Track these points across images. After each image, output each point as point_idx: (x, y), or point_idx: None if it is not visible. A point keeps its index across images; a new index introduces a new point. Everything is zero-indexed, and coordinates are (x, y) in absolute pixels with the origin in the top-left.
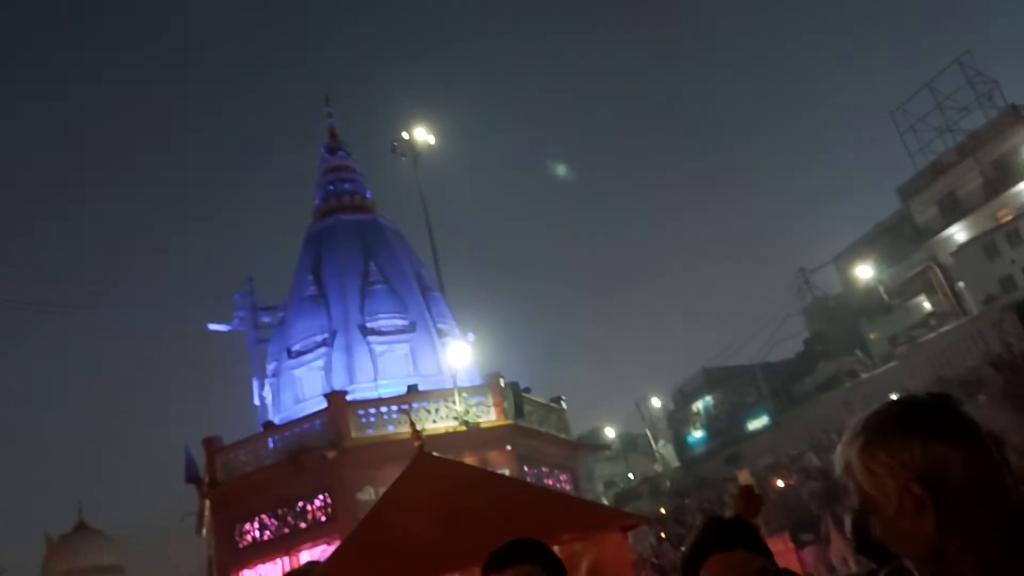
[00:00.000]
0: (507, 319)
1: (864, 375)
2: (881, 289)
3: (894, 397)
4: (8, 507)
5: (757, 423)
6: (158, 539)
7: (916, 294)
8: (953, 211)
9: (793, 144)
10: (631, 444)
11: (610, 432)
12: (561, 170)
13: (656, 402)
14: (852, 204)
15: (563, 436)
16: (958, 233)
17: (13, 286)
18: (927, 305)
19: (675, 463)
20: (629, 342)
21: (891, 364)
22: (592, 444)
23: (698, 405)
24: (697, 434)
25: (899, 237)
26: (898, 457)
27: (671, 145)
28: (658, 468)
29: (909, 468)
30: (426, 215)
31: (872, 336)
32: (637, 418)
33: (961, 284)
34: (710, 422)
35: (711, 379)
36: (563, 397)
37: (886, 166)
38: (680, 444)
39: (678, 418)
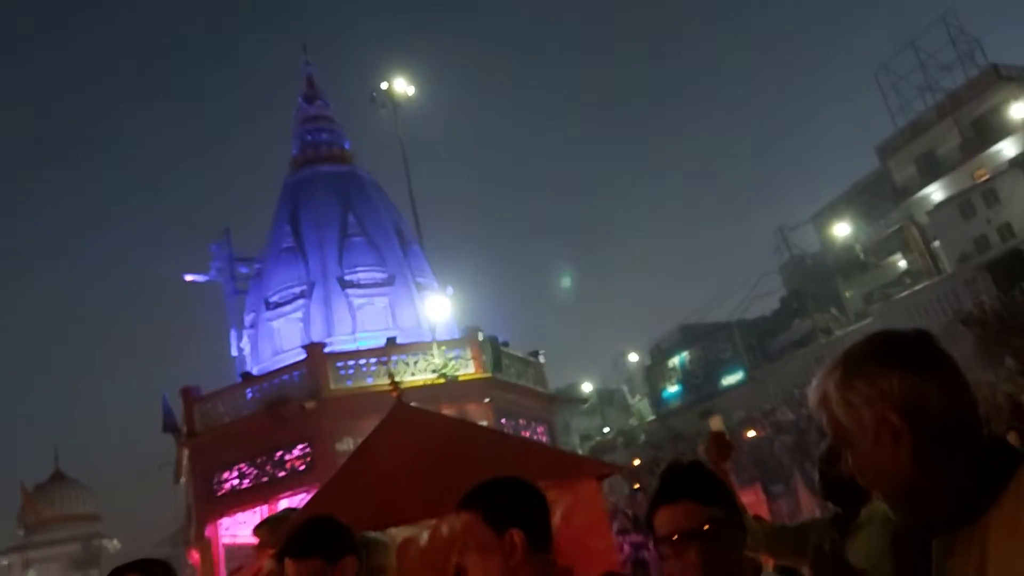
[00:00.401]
0: (486, 274)
1: (838, 332)
2: (858, 247)
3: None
4: None
5: (732, 378)
6: (135, 488)
7: (892, 253)
8: (931, 170)
9: (774, 103)
10: (607, 398)
11: (587, 387)
12: (543, 129)
13: (633, 357)
14: (831, 163)
15: (540, 389)
16: (935, 192)
17: None
18: (903, 264)
19: (650, 417)
20: (607, 299)
21: (865, 321)
22: (569, 398)
23: (674, 361)
24: (672, 389)
25: (877, 196)
26: (877, 387)
27: (653, 104)
28: (633, 422)
29: (888, 398)
30: (406, 167)
31: (848, 294)
32: (614, 373)
33: (937, 243)
34: (686, 377)
35: (687, 335)
36: (541, 351)
37: (866, 125)
38: (656, 398)
39: (654, 373)
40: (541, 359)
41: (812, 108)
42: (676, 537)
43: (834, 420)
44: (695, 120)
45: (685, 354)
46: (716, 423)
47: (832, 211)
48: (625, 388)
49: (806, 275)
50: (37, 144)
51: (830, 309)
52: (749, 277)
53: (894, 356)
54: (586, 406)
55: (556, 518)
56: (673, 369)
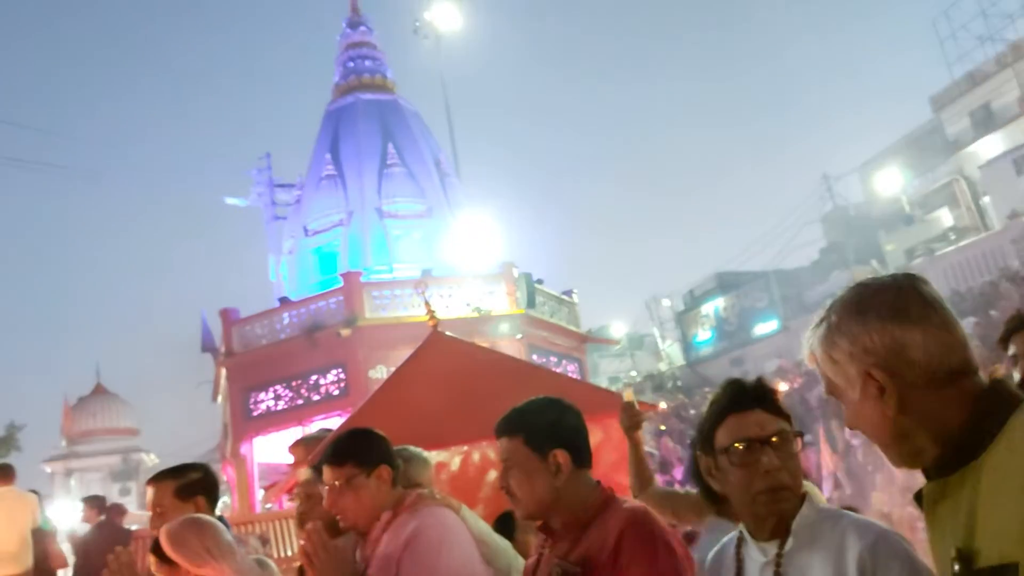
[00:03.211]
0: (523, 210)
1: None
2: (904, 200)
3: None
4: (29, 369)
5: (766, 327)
6: (173, 405)
7: (939, 207)
8: (986, 123)
9: (827, 49)
10: (638, 342)
11: (618, 329)
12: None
13: (666, 303)
14: (882, 113)
15: (572, 328)
16: (989, 146)
17: (29, 147)
18: (949, 219)
19: (680, 362)
20: (642, 243)
21: None
22: (600, 338)
23: (708, 307)
24: (704, 335)
25: (927, 148)
26: (858, 343)
27: (697, 46)
28: (663, 366)
29: (870, 354)
30: (446, 99)
31: (889, 248)
32: (645, 318)
33: (986, 199)
34: (719, 324)
35: (723, 282)
36: (574, 291)
37: (921, 75)
38: (687, 344)
39: (687, 319)
40: (574, 298)
41: (866, 55)
42: (744, 445)
43: (823, 375)
44: (739, 64)
45: (719, 301)
46: (628, 395)
47: (880, 162)
48: (656, 332)
49: (848, 226)
50: (85, 67)
51: (871, 262)
52: (788, 226)
53: (873, 308)
54: (616, 348)
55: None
56: (706, 316)
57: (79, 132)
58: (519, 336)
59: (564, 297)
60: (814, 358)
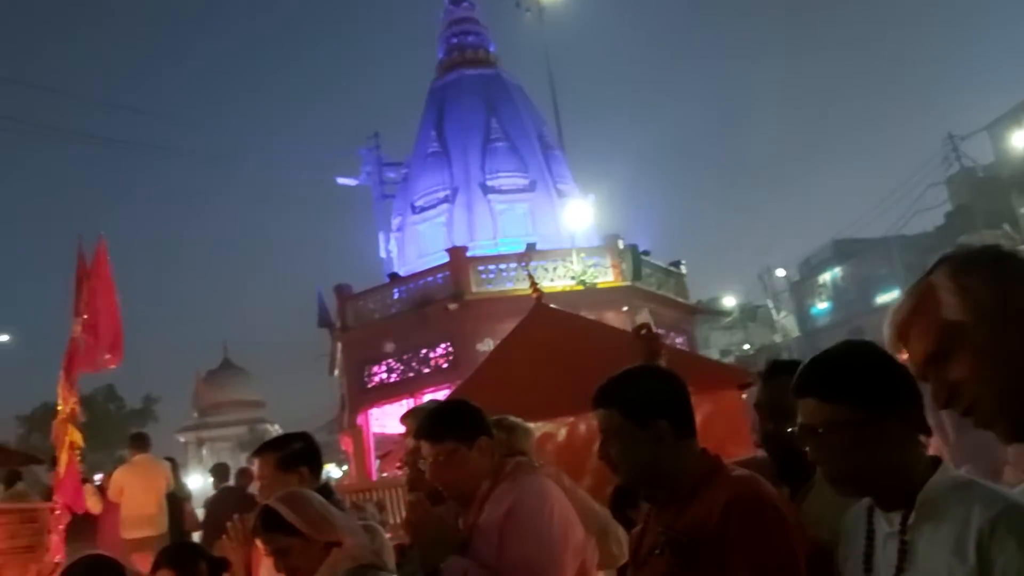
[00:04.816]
0: (629, 182)
1: None
2: None
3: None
4: (163, 345)
5: (887, 297)
6: (295, 378)
7: None
8: None
9: (952, 6)
10: (750, 314)
11: (729, 301)
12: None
13: (780, 273)
14: (1014, 69)
15: (680, 300)
16: None
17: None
18: None
19: (796, 334)
20: (755, 212)
21: None
22: (710, 310)
23: (825, 277)
24: (822, 306)
25: None
26: (994, 269)
27: (812, 13)
28: (777, 339)
29: (1010, 279)
30: (549, 72)
31: (1023, 211)
32: (758, 289)
33: None
34: (836, 294)
35: (841, 251)
36: (682, 262)
37: None
38: (803, 315)
39: (802, 289)
40: (683, 269)
41: (996, 9)
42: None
43: (939, 321)
44: (858, 25)
45: (837, 270)
46: (643, 316)
47: (1011, 120)
48: (770, 303)
49: (976, 189)
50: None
51: (1002, 226)
52: (911, 190)
53: (997, 255)
54: (727, 320)
55: (696, 423)
56: (823, 286)
57: (205, 120)
58: (624, 308)
59: (672, 268)
60: (928, 299)
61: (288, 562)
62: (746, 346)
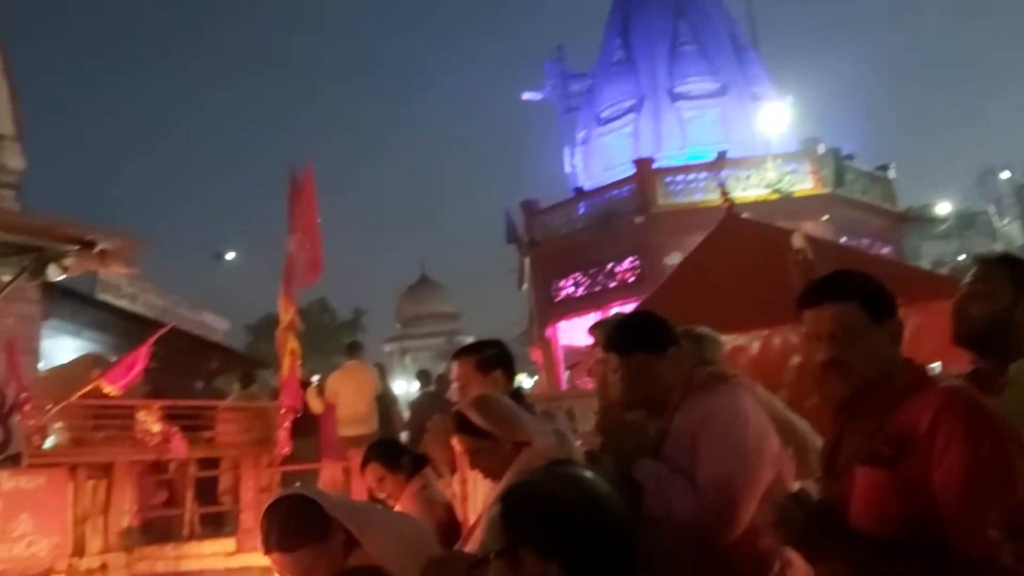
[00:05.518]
0: (833, 81)
1: None
2: None
3: None
4: (368, 261)
5: None
6: (487, 292)
7: None
8: None
9: None
10: (968, 221)
11: (943, 207)
12: None
13: (1004, 175)
14: None
15: (888, 207)
16: None
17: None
18: None
19: (1021, 243)
20: (976, 108)
21: None
22: (921, 217)
23: None
24: None
25: None
26: None
27: None
28: (998, 248)
29: None
30: None
31: None
32: (978, 194)
33: None
34: None
35: None
36: (891, 165)
37: None
38: None
39: None
40: (891, 174)
41: None
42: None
43: None
44: None
45: None
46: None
47: None
48: (992, 210)
49: None
50: None
51: None
52: None
53: None
54: (942, 228)
55: (904, 338)
56: None
57: (395, 41)
58: (824, 218)
59: (878, 173)
60: None
61: (480, 461)
62: (961, 256)
